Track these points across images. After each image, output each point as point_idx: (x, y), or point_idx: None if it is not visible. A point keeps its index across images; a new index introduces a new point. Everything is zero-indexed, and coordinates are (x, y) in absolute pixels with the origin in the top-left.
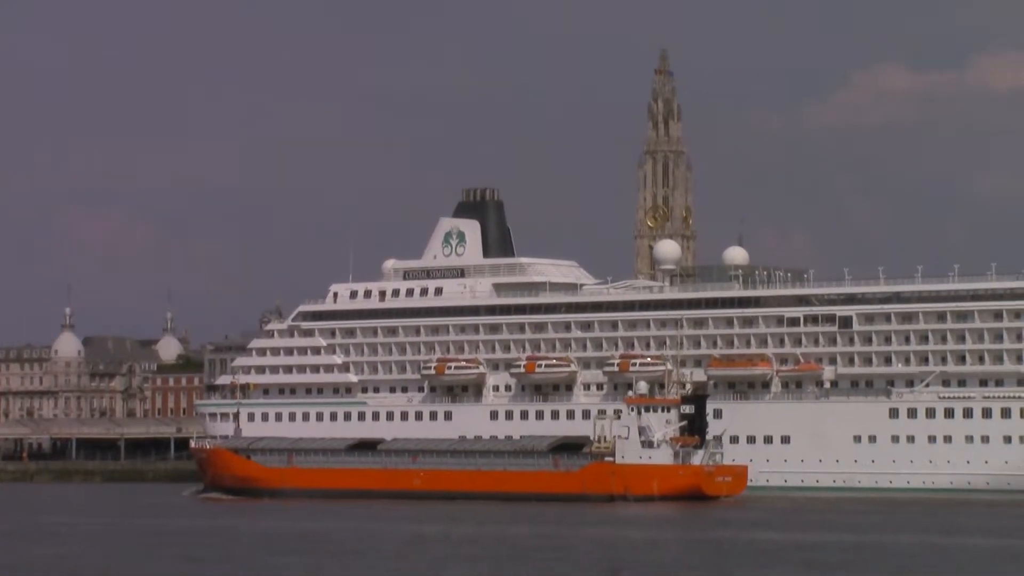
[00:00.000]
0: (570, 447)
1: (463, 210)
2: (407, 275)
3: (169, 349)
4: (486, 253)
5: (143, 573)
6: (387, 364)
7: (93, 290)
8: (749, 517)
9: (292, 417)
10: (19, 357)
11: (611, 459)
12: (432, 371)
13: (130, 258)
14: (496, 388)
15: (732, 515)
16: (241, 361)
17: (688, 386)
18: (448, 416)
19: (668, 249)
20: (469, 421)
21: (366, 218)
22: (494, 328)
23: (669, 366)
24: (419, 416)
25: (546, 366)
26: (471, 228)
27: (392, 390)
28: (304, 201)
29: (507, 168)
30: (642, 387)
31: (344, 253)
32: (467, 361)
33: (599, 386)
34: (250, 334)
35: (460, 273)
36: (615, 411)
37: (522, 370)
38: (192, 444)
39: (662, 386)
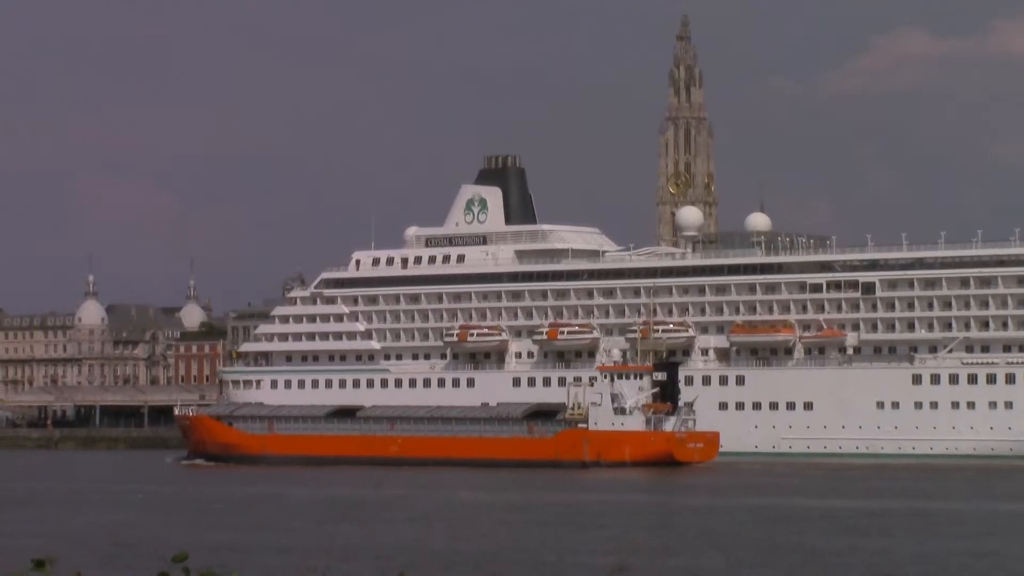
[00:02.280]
0: (545, 414)
1: (485, 177)
2: (429, 242)
3: (192, 317)
4: (508, 220)
5: (205, 541)
6: (409, 331)
7: (116, 258)
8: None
9: (315, 384)
10: (43, 325)
11: (584, 426)
12: (454, 338)
13: (153, 226)
14: (519, 355)
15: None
16: (264, 328)
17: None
18: (471, 383)
19: (690, 215)
20: (492, 388)
21: (388, 186)
22: (516, 295)
23: (692, 332)
24: (441, 383)
25: (568, 333)
26: (493, 195)
27: (415, 357)
28: (327, 169)
29: (529, 135)
30: (615, 354)
31: (366, 221)
32: (489, 328)
33: (622, 352)
34: (273, 301)
35: (482, 240)
36: (589, 378)
37: (544, 337)
38: (176, 412)
39: (687, 352)
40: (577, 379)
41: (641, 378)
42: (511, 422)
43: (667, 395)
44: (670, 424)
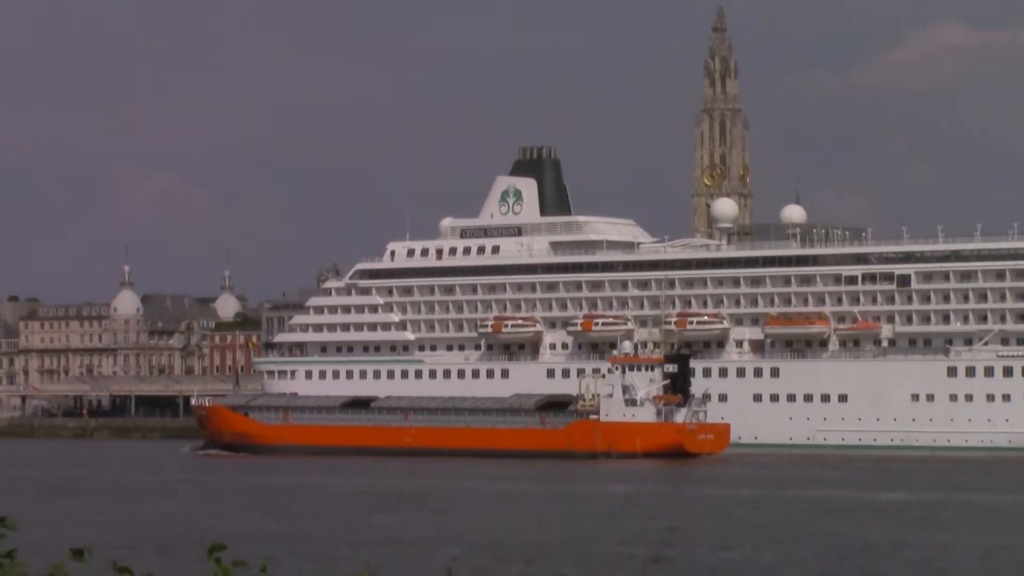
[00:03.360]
0: (557, 405)
1: (520, 168)
2: (464, 233)
3: (227, 307)
4: (543, 211)
5: (257, 530)
6: (444, 322)
7: (152, 249)
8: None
9: (349, 375)
10: (79, 315)
11: (596, 417)
12: (489, 329)
13: (188, 216)
14: (553, 346)
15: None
16: (298, 319)
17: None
18: (505, 374)
19: (725, 207)
20: (526, 379)
21: (423, 177)
22: (551, 286)
23: (726, 324)
24: (476, 374)
25: (603, 324)
26: (528, 186)
27: (449, 348)
28: (362, 160)
29: (564, 127)
30: (627, 347)
31: (401, 212)
32: (524, 319)
33: (656, 345)
34: (307, 292)
35: (517, 231)
36: (593, 369)
37: (579, 328)
38: (193, 402)
39: (721, 344)
40: (595, 370)
41: (652, 370)
42: (523, 413)
43: (678, 387)
44: (681, 416)
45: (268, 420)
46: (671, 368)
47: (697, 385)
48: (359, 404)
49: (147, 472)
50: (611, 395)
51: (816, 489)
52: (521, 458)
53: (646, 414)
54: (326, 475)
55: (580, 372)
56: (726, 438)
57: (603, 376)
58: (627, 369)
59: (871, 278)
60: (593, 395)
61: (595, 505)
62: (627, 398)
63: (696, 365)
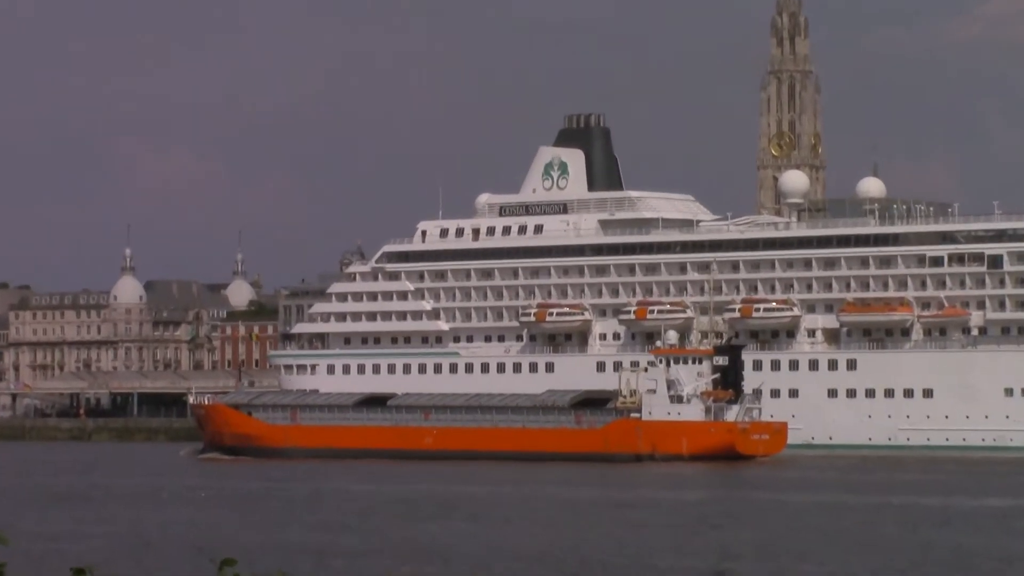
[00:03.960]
0: (594, 402)
1: (566, 138)
2: (503, 211)
3: (240, 294)
4: (591, 186)
5: (292, 541)
6: (482, 310)
7: (156, 230)
8: (910, 480)
9: (376, 369)
10: (75, 303)
11: (637, 415)
12: (532, 318)
13: (197, 194)
14: (603, 336)
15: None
16: (319, 307)
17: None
18: (550, 368)
19: (795, 180)
20: (573, 373)
21: (458, 148)
22: (601, 270)
23: (797, 311)
24: (517, 368)
25: (659, 312)
26: (574, 158)
27: (487, 339)
28: (389, 130)
29: (614, 92)
30: (671, 336)
31: (433, 187)
32: (571, 306)
33: (718, 334)
34: (329, 278)
35: (562, 208)
36: (630, 363)
37: (632, 316)
38: (190, 400)
39: (791, 334)
40: (635, 364)
41: (700, 362)
42: (557, 412)
43: (729, 381)
44: (732, 413)
45: (274, 420)
46: (721, 360)
47: (751, 379)
48: (375, 402)
49: (138, 477)
50: (654, 391)
51: (903, 494)
52: (553, 461)
53: (693, 412)
54: (350, 480)
55: (633, 365)
56: (783, 438)
57: (645, 370)
58: (672, 361)
59: (958, 259)
60: (634, 391)
61: (653, 513)
62: (672, 394)
63: (763, 357)
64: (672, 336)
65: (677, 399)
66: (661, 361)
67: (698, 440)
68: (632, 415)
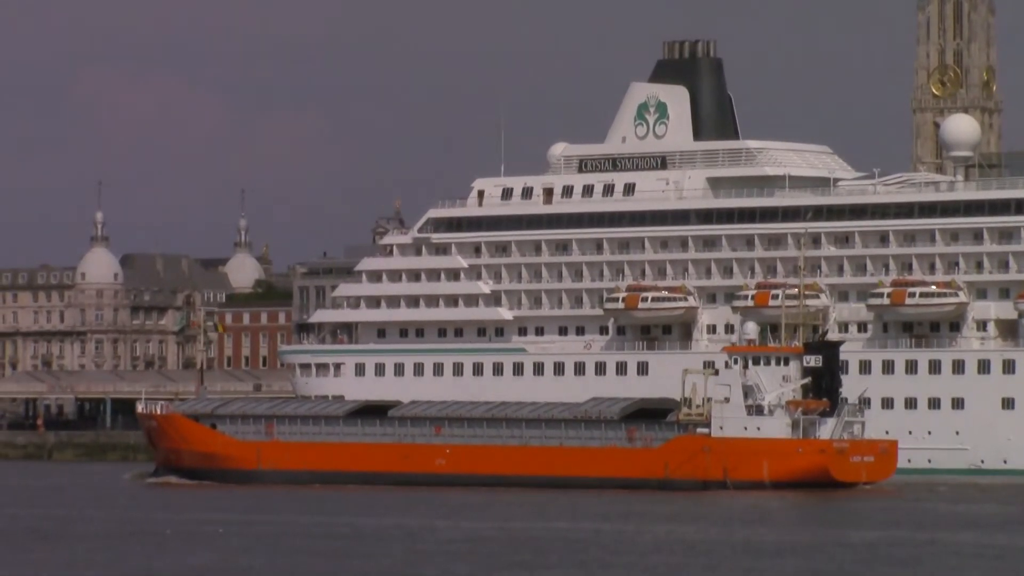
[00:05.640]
0: (650, 414)
1: (665, 72)
2: (584, 165)
3: (243, 273)
4: (697, 134)
5: None
6: (555, 294)
7: (135, 188)
8: None
9: (418, 370)
10: (31, 283)
11: (705, 431)
12: (620, 304)
13: (188, 142)
14: (712, 328)
15: None
16: (346, 290)
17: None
18: (643, 369)
19: (962, 127)
20: (673, 375)
21: (524, 85)
22: (709, 242)
23: (963, 296)
24: (601, 368)
25: (784, 296)
26: (676, 98)
27: (562, 331)
28: (436, 62)
29: (726, 13)
30: (750, 330)
31: (493, 136)
32: (671, 290)
33: (861, 326)
34: (358, 251)
35: (660, 163)
36: (716, 364)
37: (749, 303)
38: (139, 407)
39: (955, 326)
40: (705, 365)
41: (786, 364)
42: (603, 425)
43: (823, 388)
44: (827, 429)
45: (244, 435)
46: (813, 361)
47: (852, 386)
48: (373, 411)
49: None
50: (727, 399)
51: None
52: (596, 488)
53: (777, 427)
54: (379, 513)
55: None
56: (891, 461)
57: (715, 373)
58: (750, 362)
59: None
60: (702, 399)
61: (774, 558)
62: (750, 404)
63: (919, 357)
64: (751, 329)
65: (756, 410)
66: (736, 361)
67: (782, 463)
68: (699, 430)
